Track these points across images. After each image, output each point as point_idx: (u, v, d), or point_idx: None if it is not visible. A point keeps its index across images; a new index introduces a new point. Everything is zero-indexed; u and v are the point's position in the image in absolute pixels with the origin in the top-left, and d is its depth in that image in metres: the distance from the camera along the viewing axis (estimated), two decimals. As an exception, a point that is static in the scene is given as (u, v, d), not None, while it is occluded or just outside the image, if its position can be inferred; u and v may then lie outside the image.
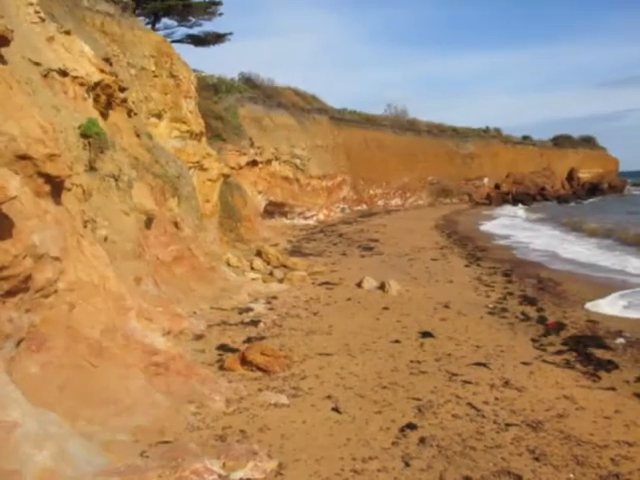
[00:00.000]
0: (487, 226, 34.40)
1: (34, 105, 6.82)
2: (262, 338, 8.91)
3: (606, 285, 14.45)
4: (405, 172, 50.41)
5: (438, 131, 59.89)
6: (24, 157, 5.54)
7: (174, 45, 20.77)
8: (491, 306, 11.94)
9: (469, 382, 7.16)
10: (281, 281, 13.95)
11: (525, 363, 8.08)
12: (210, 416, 5.84)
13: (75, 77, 9.65)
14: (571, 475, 4.97)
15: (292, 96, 38.71)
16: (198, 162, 17.11)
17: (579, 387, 7.25)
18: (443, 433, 5.64)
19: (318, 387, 6.84)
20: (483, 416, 6.11)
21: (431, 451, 5.25)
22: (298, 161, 34.16)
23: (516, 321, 10.75)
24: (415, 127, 56.40)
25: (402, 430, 5.67)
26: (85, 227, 7.17)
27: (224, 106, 27.44)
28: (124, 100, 11.99)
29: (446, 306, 11.60)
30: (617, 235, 26.18)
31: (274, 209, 30.37)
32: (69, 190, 6.77)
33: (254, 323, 9.77)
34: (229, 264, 14.40)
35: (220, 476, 4.56)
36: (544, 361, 8.31)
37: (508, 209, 52.64)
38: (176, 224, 11.97)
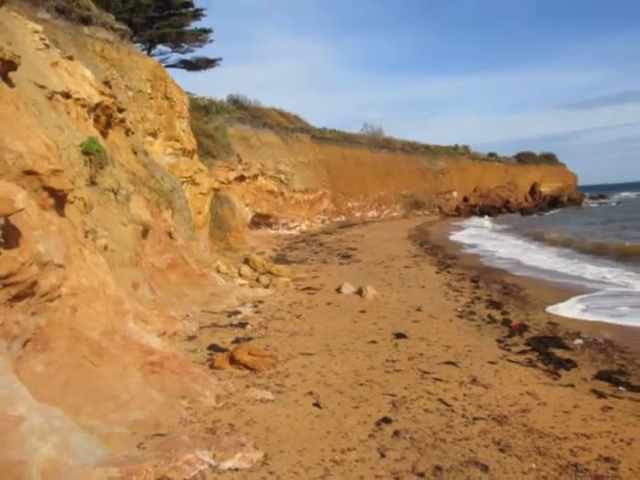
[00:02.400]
0: (456, 236, 34.65)
1: (39, 125, 6.85)
2: (249, 339, 8.92)
3: (565, 290, 14.61)
4: (381, 186, 50.77)
5: (411, 148, 60.39)
6: (30, 172, 5.56)
7: (168, 70, 20.82)
8: (460, 310, 12.04)
9: (440, 379, 7.19)
10: (267, 286, 13.95)
11: (491, 362, 8.14)
12: (201, 411, 5.85)
13: (77, 99, 9.66)
14: (533, 465, 5.02)
15: (277, 116, 38.91)
16: (190, 177, 17.15)
17: (541, 384, 7.31)
18: (416, 426, 5.66)
19: (301, 384, 6.85)
20: (452, 411, 6.14)
21: (404, 443, 5.27)
22: (282, 176, 34.26)
23: (483, 323, 10.85)
24: (390, 145, 56.84)
25: (378, 424, 5.68)
26: (86, 237, 7.17)
27: (214, 126, 27.52)
28: (122, 120, 11.98)
29: (418, 309, 11.66)
30: (576, 244, 26.47)
31: (260, 220, 30.39)
32: (71, 203, 6.78)
33: (242, 325, 9.76)
34: (219, 271, 14.39)
35: (210, 466, 4.57)
36: (508, 360, 8.39)
37: (475, 220, 53.04)
38: (170, 234, 11.97)
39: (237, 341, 8.68)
